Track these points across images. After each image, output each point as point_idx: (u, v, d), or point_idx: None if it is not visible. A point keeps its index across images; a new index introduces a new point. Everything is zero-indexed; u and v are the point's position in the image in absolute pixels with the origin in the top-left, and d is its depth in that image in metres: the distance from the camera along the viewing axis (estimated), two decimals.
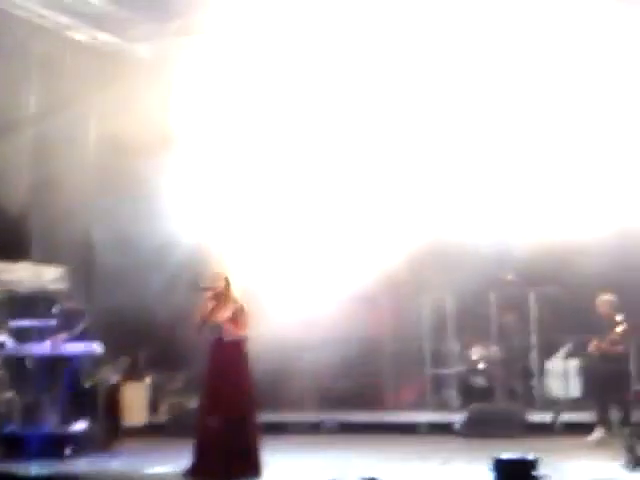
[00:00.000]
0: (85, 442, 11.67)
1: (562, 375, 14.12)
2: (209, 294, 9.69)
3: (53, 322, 12.46)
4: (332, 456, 11.28)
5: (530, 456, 8.63)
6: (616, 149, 13.77)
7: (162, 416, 14.37)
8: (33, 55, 13.97)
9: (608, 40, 13.43)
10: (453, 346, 15.30)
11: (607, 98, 13.67)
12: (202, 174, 14.47)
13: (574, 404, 13.58)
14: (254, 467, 9.39)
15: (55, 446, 11.30)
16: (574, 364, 14.09)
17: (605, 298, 12.43)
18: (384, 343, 15.56)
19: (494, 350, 14.88)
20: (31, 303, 13.20)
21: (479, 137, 14.27)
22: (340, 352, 13.91)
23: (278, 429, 12.57)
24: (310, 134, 14.79)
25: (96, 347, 12.37)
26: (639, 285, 13.09)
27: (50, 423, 11.68)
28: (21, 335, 12.35)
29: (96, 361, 12.57)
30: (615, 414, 12.17)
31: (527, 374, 14.81)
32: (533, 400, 14.45)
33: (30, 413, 11.76)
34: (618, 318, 12.23)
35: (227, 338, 9.52)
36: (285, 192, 15.04)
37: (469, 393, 14.67)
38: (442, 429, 13.20)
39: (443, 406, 14.86)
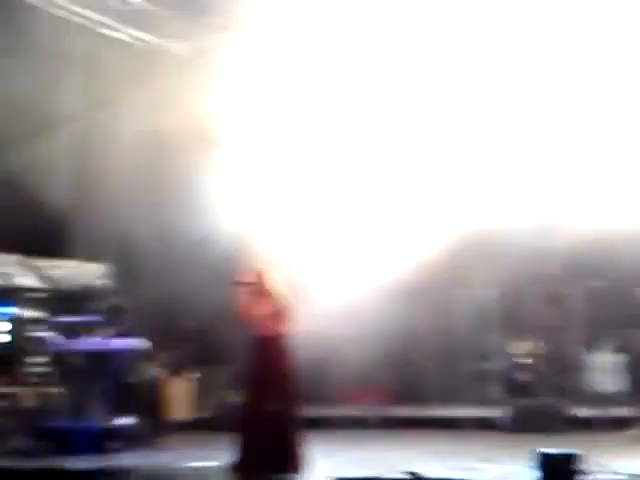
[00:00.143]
0: (131, 437, 11.80)
1: (607, 370, 14.01)
2: (250, 289, 9.73)
3: (99, 318, 12.60)
4: (374, 451, 11.29)
5: (574, 451, 8.58)
6: None
7: (207, 411, 14.46)
8: (73, 54, 14.10)
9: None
10: (496, 341, 15.23)
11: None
12: (242, 169, 14.52)
13: (619, 399, 13.46)
14: (297, 462, 9.42)
15: (101, 441, 11.45)
16: (620, 359, 13.97)
17: None
18: (426, 337, 15.53)
19: (538, 345, 14.79)
20: (77, 300, 13.33)
21: (524, 126, 14.15)
22: (382, 346, 13.90)
23: (320, 424, 12.60)
24: (347, 126, 14.79)
25: (141, 343, 12.50)
26: None
27: (97, 418, 11.80)
28: (67, 331, 12.48)
29: (142, 357, 12.69)
30: None
31: (572, 369, 14.71)
32: (578, 395, 14.35)
33: (77, 408, 11.89)
34: None
35: (268, 333, 9.56)
36: (325, 185, 15.07)
37: (512, 388, 14.60)
38: (485, 424, 13.15)
39: (486, 401, 14.80)
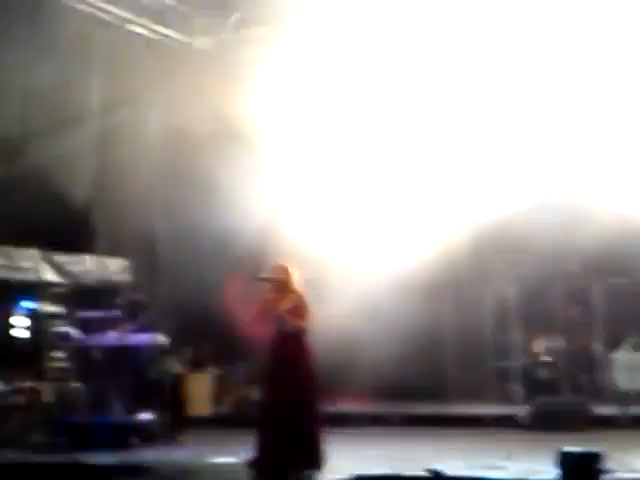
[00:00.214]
0: (150, 432, 11.82)
1: (628, 368, 13.90)
2: (270, 285, 9.71)
3: (118, 313, 12.62)
4: (395, 448, 11.26)
5: (595, 449, 8.51)
6: None
7: (226, 407, 14.46)
8: (96, 49, 14.14)
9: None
10: (517, 338, 15.16)
11: None
12: (265, 165, 14.52)
13: None
14: (316, 459, 9.39)
15: (121, 436, 11.47)
16: None
17: None
18: (446, 335, 15.48)
19: (559, 342, 14.71)
20: (96, 294, 13.39)
21: (547, 123, 14.08)
22: (402, 344, 13.85)
23: (340, 421, 12.57)
24: (369, 121, 14.78)
25: (161, 338, 12.51)
26: None
27: (116, 413, 11.83)
28: (87, 326, 12.51)
29: (161, 352, 12.71)
30: None
31: (592, 367, 14.62)
32: (598, 393, 14.26)
33: (96, 403, 11.93)
34: None
35: (288, 329, 9.54)
36: (345, 183, 15.05)
37: (533, 386, 14.53)
38: (506, 422, 13.09)
39: (507, 399, 14.74)
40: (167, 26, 15.08)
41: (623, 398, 13.32)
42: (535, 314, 14.97)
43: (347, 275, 14.08)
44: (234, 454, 10.07)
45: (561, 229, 13.74)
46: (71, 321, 12.61)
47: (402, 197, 14.85)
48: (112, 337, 12.25)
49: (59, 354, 12.20)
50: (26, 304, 12.69)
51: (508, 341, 15.19)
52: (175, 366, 13.32)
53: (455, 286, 15.34)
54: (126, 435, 11.51)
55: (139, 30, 14.83)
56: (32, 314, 12.62)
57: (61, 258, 13.67)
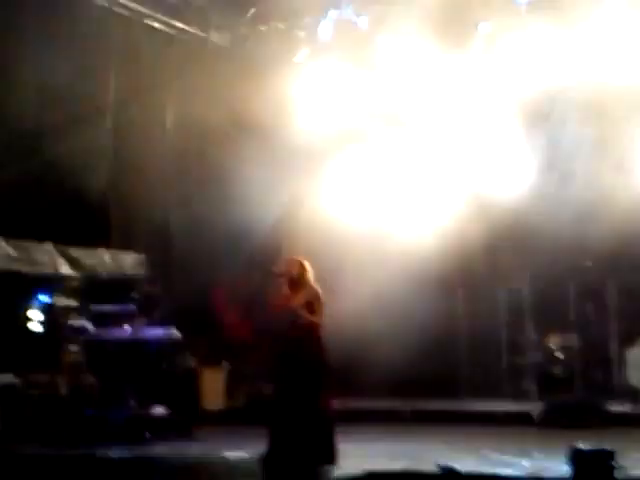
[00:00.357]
0: (164, 426, 11.86)
1: None
2: (284, 280, 9.72)
3: (132, 307, 12.66)
4: (408, 444, 11.26)
5: (608, 447, 8.50)
6: None
7: (239, 402, 14.49)
8: (112, 43, 14.17)
9: None
10: (531, 335, 15.14)
11: None
12: (280, 160, 14.53)
13: None
14: (329, 454, 9.41)
15: (135, 430, 11.52)
16: None
17: None
18: (460, 331, 15.47)
19: (573, 339, 14.68)
20: (110, 288, 13.42)
21: (557, 122, 14.08)
22: (415, 340, 13.85)
23: (353, 416, 12.57)
24: (386, 115, 14.81)
25: (175, 332, 12.55)
26: None
27: (130, 407, 11.87)
28: (101, 320, 12.56)
29: (174, 346, 12.74)
30: None
31: (606, 364, 14.59)
32: (612, 390, 14.23)
33: (110, 397, 11.96)
34: None
35: (302, 324, 9.55)
36: (361, 177, 15.06)
37: (547, 383, 14.50)
38: (519, 419, 13.08)
39: (520, 395, 14.71)
40: (184, 21, 15.10)
41: (637, 395, 13.29)
42: (549, 311, 14.94)
43: (361, 271, 14.08)
44: (247, 449, 10.10)
45: (575, 226, 13.71)
46: (86, 315, 12.65)
47: (418, 194, 14.85)
48: (127, 331, 12.29)
49: (74, 348, 12.24)
50: (42, 298, 12.73)
51: (522, 338, 15.16)
52: (189, 360, 13.36)
53: (469, 283, 15.32)
54: (140, 429, 11.56)
55: (156, 25, 14.85)
56: (47, 308, 12.67)
57: (76, 252, 13.71)
